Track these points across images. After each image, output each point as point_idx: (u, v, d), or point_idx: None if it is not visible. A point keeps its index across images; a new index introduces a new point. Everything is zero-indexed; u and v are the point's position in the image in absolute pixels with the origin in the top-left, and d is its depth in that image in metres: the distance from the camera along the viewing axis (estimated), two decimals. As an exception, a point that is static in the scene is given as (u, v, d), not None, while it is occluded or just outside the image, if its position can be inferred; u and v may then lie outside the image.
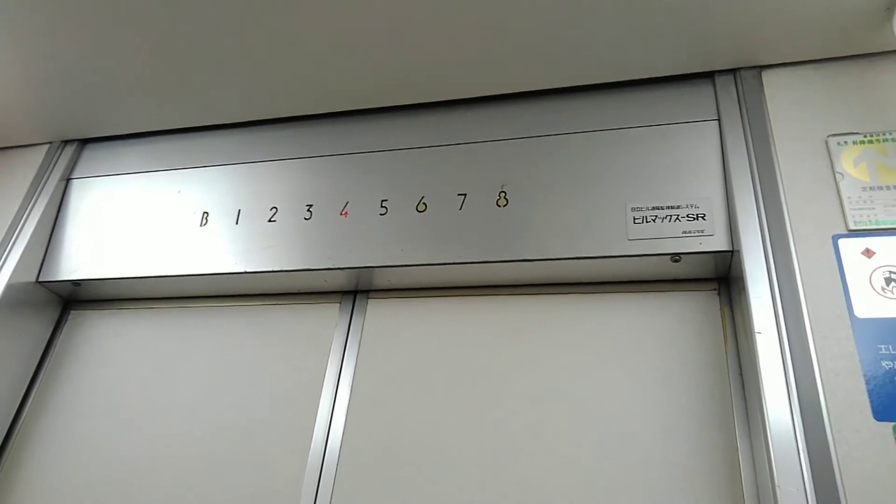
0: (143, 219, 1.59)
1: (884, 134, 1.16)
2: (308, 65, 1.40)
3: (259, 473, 1.35)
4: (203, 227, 1.53)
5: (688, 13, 1.19)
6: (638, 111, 1.36)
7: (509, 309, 1.39)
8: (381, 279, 1.44)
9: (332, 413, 1.37)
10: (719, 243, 1.19)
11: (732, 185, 1.19)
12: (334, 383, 1.41)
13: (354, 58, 1.36)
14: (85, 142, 1.78)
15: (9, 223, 1.61)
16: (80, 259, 1.59)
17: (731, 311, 1.25)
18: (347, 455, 1.32)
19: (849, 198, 1.12)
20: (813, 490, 0.92)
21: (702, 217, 1.22)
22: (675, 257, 1.23)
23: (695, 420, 1.18)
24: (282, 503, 1.31)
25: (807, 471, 0.94)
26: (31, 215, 1.63)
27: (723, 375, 1.20)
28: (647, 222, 1.24)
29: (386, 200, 1.43)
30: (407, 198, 1.42)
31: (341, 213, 1.44)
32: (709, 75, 1.35)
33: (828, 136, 1.19)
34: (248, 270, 1.44)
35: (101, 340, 1.64)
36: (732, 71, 1.33)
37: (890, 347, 0.99)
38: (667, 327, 1.28)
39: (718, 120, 1.30)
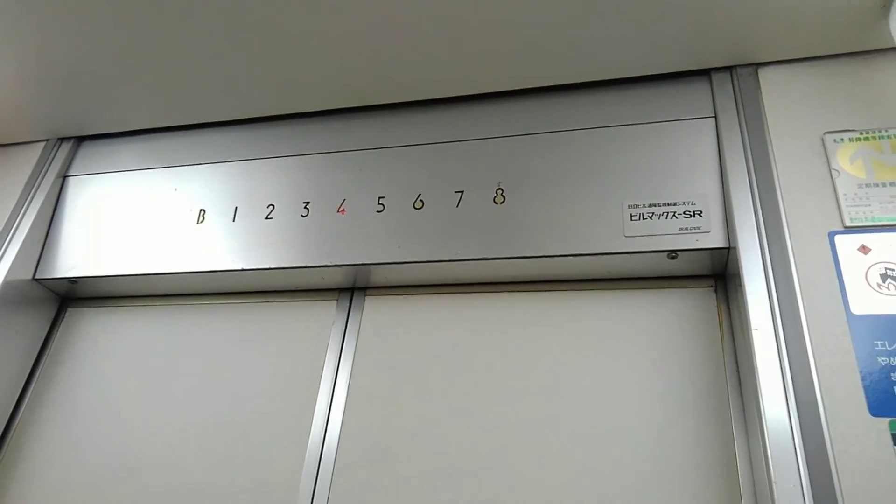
0: (140, 216, 1.59)
1: (880, 131, 1.17)
2: (305, 62, 1.39)
3: (256, 470, 1.35)
4: (200, 225, 1.53)
5: (684, 11, 1.20)
6: (635, 108, 1.36)
7: (506, 306, 1.39)
8: (379, 276, 1.44)
9: (330, 410, 1.37)
10: (716, 240, 1.19)
11: (729, 182, 1.19)
12: (332, 380, 1.41)
13: (351, 55, 1.36)
14: (81, 139, 1.78)
15: (5, 220, 1.61)
16: (76, 256, 1.59)
17: (728, 308, 1.25)
18: (345, 451, 1.32)
19: (845, 195, 1.12)
20: (809, 486, 0.93)
21: (698, 214, 1.22)
22: (672, 254, 1.23)
23: (691, 416, 1.19)
24: (279, 499, 1.31)
25: (803, 466, 0.94)
26: (27, 213, 1.62)
27: (719, 372, 1.20)
28: (643, 219, 1.25)
29: (383, 197, 1.43)
30: (404, 195, 1.42)
31: (338, 211, 1.44)
32: (705, 73, 1.35)
33: (824, 133, 1.19)
34: (245, 268, 1.44)
35: (98, 338, 1.63)
36: (729, 68, 1.33)
37: (886, 343, 0.99)
38: (663, 324, 1.28)
39: (715, 117, 1.30)
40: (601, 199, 1.29)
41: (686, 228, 1.22)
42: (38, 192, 1.66)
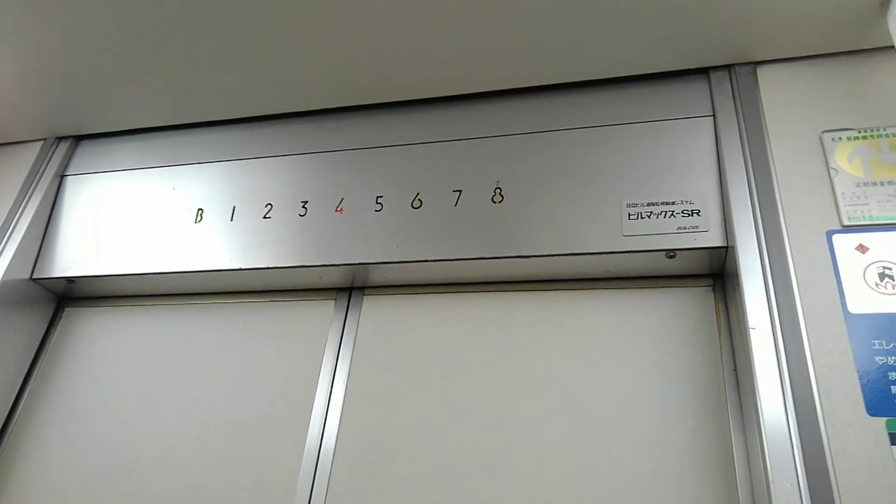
0: (138, 215, 1.59)
1: (878, 130, 1.17)
2: (303, 61, 1.39)
3: (254, 470, 1.35)
4: (198, 224, 1.53)
5: (683, 9, 1.19)
6: (633, 107, 1.36)
7: (504, 305, 1.39)
8: (377, 276, 1.44)
9: (328, 409, 1.37)
10: (714, 239, 1.19)
11: (727, 181, 1.19)
12: (330, 380, 1.41)
13: (349, 54, 1.36)
14: (79, 138, 1.77)
15: (3, 220, 1.61)
16: (74, 256, 1.59)
17: (726, 307, 1.25)
18: (342, 451, 1.32)
19: (843, 193, 1.12)
20: (807, 485, 0.93)
21: (696, 213, 1.22)
22: (670, 253, 1.23)
23: (689, 415, 1.18)
24: (277, 499, 1.31)
25: (800, 465, 0.94)
26: (25, 212, 1.62)
27: (717, 371, 1.20)
28: (641, 218, 1.25)
29: (381, 197, 1.43)
30: (402, 194, 1.42)
31: (336, 210, 1.44)
32: (704, 71, 1.35)
33: (822, 132, 1.19)
34: (243, 267, 1.44)
35: (96, 337, 1.63)
36: (727, 67, 1.33)
37: (883, 343, 0.99)
38: (661, 323, 1.28)
39: (713, 116, 1.30)
40: (599, 199, 1.29)
41: (684, 227, 1.22)
42: (35, 192, 1.66)
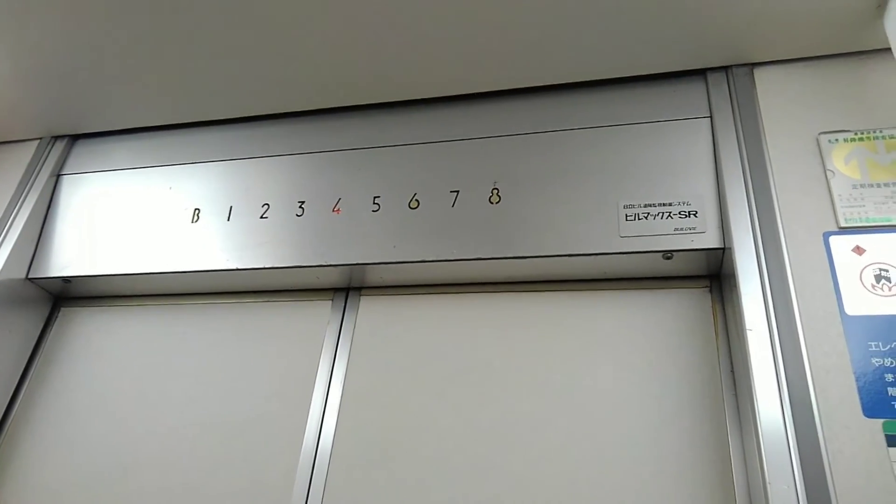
0: (135, 215, 1.59)
1: (874, 131, 1.17)
2: (300, 61, 1.39)
3: (251, 470, 1.35)
4: (195, 224, 1.52)
5: (680, 10, 1.20)
6: (630, 108, 1.36)
7: (502, 306, 1.39)
8: (374, 276, 1.44)
9: (325, 410, 1.37)
10: (711, 241, 1.19)
11: (724, 182, 1.19)
12: (326, 380, 1.40)
13: (347, 54, 1.36)
14: (75, 138, 1.77)
15: (-2, 219, 1.60)
16: (70, 256, 1.58)
17: (723, 309, 1.25)
18: (339, 452, 1.32)
19: (840, 195, 1.12)
20: (803, 486, 0.93)
21: (694, 214, 1.22)
22: (667, 254, 1.23)
23: (686, 417, 1.19)
24: (274, 499, 1.31)
25: (797, 467, 0.94)
26: (20, 211, 1.62)
27: (714, 372, 1.21)
28: (639, 219, 1.25)
29: (378, 197, 1.42)
30: (399, 194, 1.41)
31: (334, 210, 1.44)
32: (701, 72, 1.35)
33: (819, 134, 1.19)
34: (240, 267, 1.44)
35: (92, 337, 1.63)
36: (724, 68, 1.33)
37: (880, 344, 0.99)
38: (659, 324, 1.28)
39: (710, 117, 1.30)
40: (596, 199, 1.29)
41: (681, 229, 1.22)
42: (31, 191, 1.65)
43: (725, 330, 1.23)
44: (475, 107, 1.47)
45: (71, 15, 1.32)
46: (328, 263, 1.39)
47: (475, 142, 1.43)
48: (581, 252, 1.25)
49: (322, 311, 1.49)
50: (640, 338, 1.28)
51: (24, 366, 1.60)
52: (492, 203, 1.35)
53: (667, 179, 1.27)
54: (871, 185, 1.12)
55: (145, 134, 1.70)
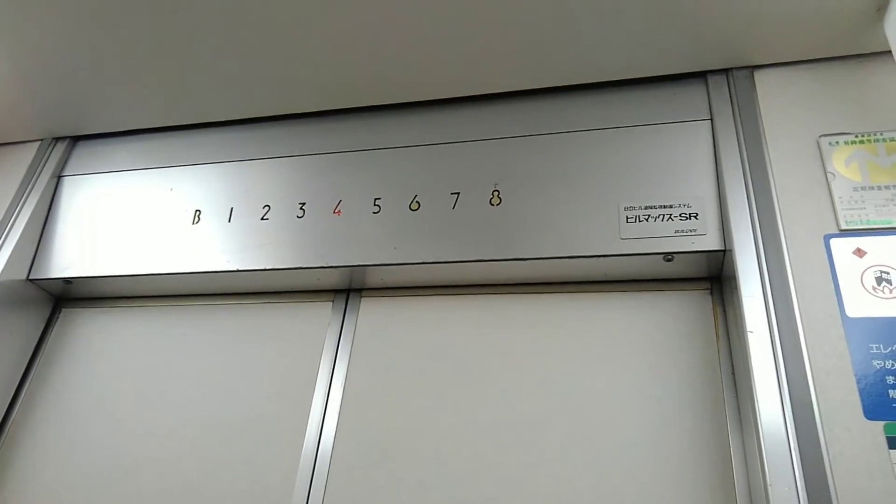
0: (135, 216, 1.59)
1: (875, 134, 1.17)
2: (301, 62, 1.39)
3: (252, 471, 1.35)
4: (195, 225, 1.53)
5: (681, 13, 1.20)
6: (631, 111, 1.36)
7: (502, 308, 1.39)
8: (375, 278, 1.44)
9: (325, 411, 1.37)
10: (712, 243, 1.19)
11: (725, 184, 1.19)
12: (327, 382, 1.40)
13: (347, 55, 1.36)
14: (76, 139, 1.77)
15: (-1, 220, 1.60)
16: (71, 257, 1.58)
17: (724, 311, 1.26)
18: (340, 453, 1.32)
19: (840, 198, 1.12)
20: (805, 488, 0.93)
21: (694, 216, 1.22)
22: (668, 257, 1.23)
23: (687, 419, 1.19)
24: (275, 501, 1.31)
25: (798, 469, 0.94)
26: (21, 213, 1.62)
27: (715, 374, 1.21)
28: (639, 221, 1.25)
29: (379, 199, 1.42)
30: (400, 196, 1.41)
31: (334, 212, 1.44)
32: (701, 75, 1.35)
33: (819, 136, 1.19)
34: (240, 269, 1.44)
35: (93, 339, 1.63)
36: (725, 71, 1.33)
37: (881, 347, 0.99)
38: (659, 326, 1.28)
39: (711, 120, 1.30)
40: (597, 201, 1.29)
41: (682, 231, 1.22)
42: (32, 192, 1.65)
43: (726, 332, 1.23)
44: (476, 109, 1.47)
45: (71, 16, 1.32)
46: (329, 265, 1.39)
47: (476, 144, 1.43)
48: (581, 254, 1.25)
49: (323, 313, 1.49)
50: (640, 340, 1.28)
51: (24, 367, 1.60)
52: (492, 205, 1.35)
53: (667, 181, 1.27)
54: (872, 188, 1.12)
55: (146, 135, 1.70)
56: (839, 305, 1.04)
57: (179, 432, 1.44)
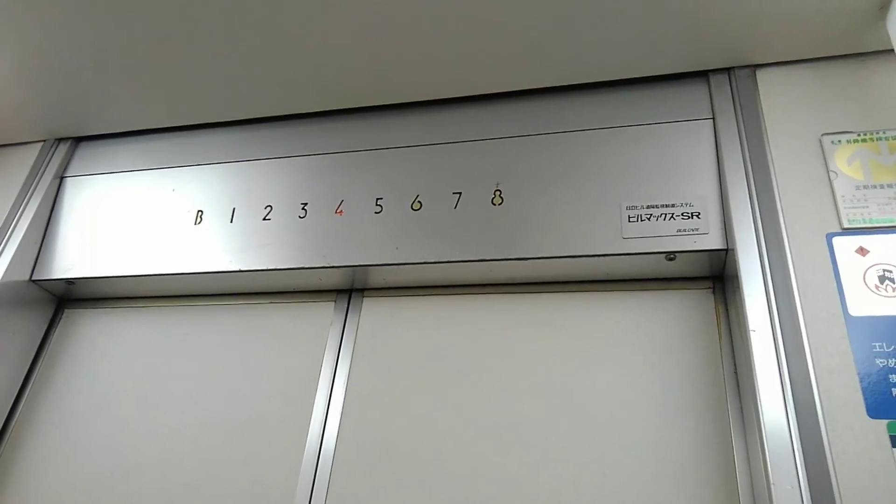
0: (138, 217, 1.59)
1: (877, 133, 1.17)
2: (302, 63, 1.39)
3: (254, 472, 1.35)
4: (198, 226, 1.53)
5: (682, 12, 1.20)
6: (633, 110, 1.36)
7: (504, 307, 1.39)
8: (377, 277, 1.44)
9: (328, 411, 1.37)
10: (714, 242, 1.19)
11: (727, 183, 1.19)
12: (329, 382, 1.40)
13: (349, 56, 1.36)
14: (79, 140, 1.77)
15: (2, 221, 1.61)
16: (73, 257, 1.59)
17: (726, 310, 1.25)
18: (342, 453, 1.32)
19: (843, 196, 1.12)
20: (808, 487, 0.93)
21: (696, 215, 1.22)
22: (670, 256, 1.23)
23: (690, 418, 1.18)
24: (277, 501, 1.31)
25: (801, 468, 0.94)
26: (24, 214, 1.62)
27: (717, 373, 1.20)
28: (641, 221, 1.25)
29: (381, 199, 1.42)
30: (402, 196, 1.41)
31: (336, 212, 1.44)
32: (703, 74, 1.35)
33: (822, 135, 1.19)
34: (242, 269, 1.44)
35: (96, 339, 1.63)
36: (727, 70, 1.33)
37: (884, 345, 0.99)
38: (662, 326, 1.28)
39: (713, 119, 1.30)
40: (599, 201, 1.29)
41: (684, 230, 1.22)
42: (35, 193, 1.66)
43: (728, 331, 1.23)
44: (477, 108, 1.47)
45: (74, 17, 1.32)
46: (331, 265, 1.39)
47: (478, 143, 1.43)
48: (583, 253, 1.25)
49: (325, 313, 1.49)
50: (642, 339, 1.28)
51: (27, 367, 1.60)
52: (494, 204, 1.35)
53: (669, 181, 1.27)
54: (875, 187, 1.12)
55: (148, 136, 1.71)
56: (842, 304, 1.04)
57: (182, 432, 1.44)
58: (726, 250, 1.18)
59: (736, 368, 1.19)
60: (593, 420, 1.23)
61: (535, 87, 1.42)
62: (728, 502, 1.10)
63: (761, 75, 1.29)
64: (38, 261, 1.61)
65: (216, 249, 1.48)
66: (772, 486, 0.94)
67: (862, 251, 1.07)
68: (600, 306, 1.33)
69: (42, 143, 1.75)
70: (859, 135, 1.17)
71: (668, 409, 1.20)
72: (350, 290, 1.51)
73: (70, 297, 1.70)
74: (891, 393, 0.96)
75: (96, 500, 1.42)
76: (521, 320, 1.36)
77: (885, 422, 0.95)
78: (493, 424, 1.27)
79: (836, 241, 1.09)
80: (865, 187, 1.12)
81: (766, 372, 1.02)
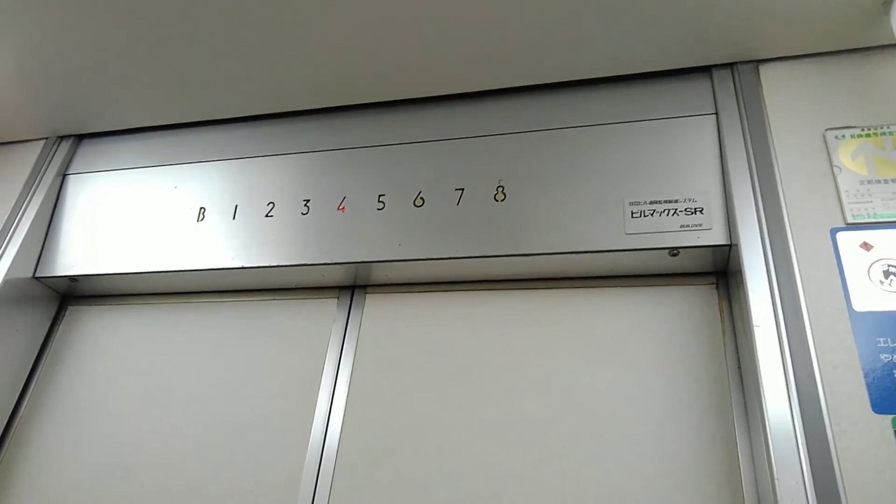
0: (140, 214, 1.59)
1: (881, 127, 1.17)
2: (304, 60, 1.39)
3: (257, 469, 1.35)
4: (200, 223, 1.53)
5: (685, 7, 1.19)
6: (635, 105, 1.36)
7: (507, 303, 1.39)
8: (379, 274, 1.44)
9: (331, 408, 1.37)
10: (717, 237, 1.19)
11: (730, 179, 1.19)
12: (332, 378, 1.40)
13: (351, 52, 1.36)
14: (81, 137, 1.77)
15: (5, 219, 1.61)
16: (76, 255, 1.59)
17: (730, 305, 1.25)
18: (345, 449, 1.32)
19: (847, 191, 1.12)
20: (812, 483, 0.93)
21: (700, 211, 1.22)
22: (674, 251, 1.23)
23: (694, 414, 1.18)
24: (280, 498, 1.31)
25: (806, 464, 0.94)
26: (27, 211, 1.62)
27: (721, 369, 1.20)
28: (644, 216, 1.24)
29: (383, 195, 1.42)
30: (404, 192, 1.41)
31: (339, 208, 1.44)
32: (706, 69, 1.35)
33: (825, 130, 1.19)
34: (245, 266, 1.44)
35: (99, 336, 1.63)
36: (730, 65, 1.33)
37: (888, 340, 0.99)
38: (665, 321, 1.28)
39: (716, 114, 1.29)
40: (602, 197, 1.29)
41: (687, 225, 1.21)
42: (37, 191, 1.66)
43: (732, 327, 1.23)
44: (480, 105, 1.47)
45: (76, 15, 1.32)
46: (333, 262, 1.39)
47: (480, 140, 1.43)
48: (587, 249, 1.25)
49: (327, 310, 1.49)
50: (646, 335, 1.28)
51: (31, 364, 1.61)
52: (497, 201, 1.35)
53: (673, 176, 1.27)
54: (879, 181, 1.12)
55: (150, 133, 1.70)
56: (846, 299, 1.04)
57: (184, 429, 1.44)
58: (730, 246, 1.18)
59: (740, 364, 1.19)
60: (597, 416, 1.23)
61: (537, 83, 1.42)
62: (732, 498, 1.10)
63: (764, 70, 1.29)
64: (42, 258, 1.61)
65: (219, 246, 1.48)
66: (776, 482, 0.94)
67: (866, 246, 1.07)
68: (603, 302, 1.33)
69: (44, 140, 1.75)
70: (863, 130, 1.17)
71: (672, 405, 1.20)
72: (353, 286, 1.51)
73: (73, 294, 1.71)
74: (895, 388, 0.96)
75: (99, 498, 1.42)
76: (524, 317, 1.36)
77: (889, 417, 0.94)
78: (497, 421, 1.27)
79: (840, 236, 1.09)
80: (869, 182, 1.12)
81: (770, 367, 1.02)
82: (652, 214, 1.24)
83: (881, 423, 0.94)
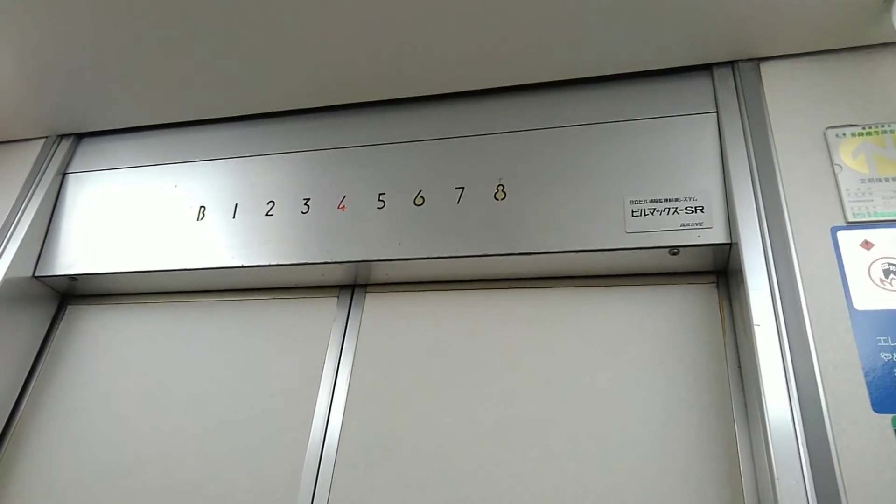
0: (140, 213, 1.59)
1: (882, 126, 1.16)
2: (304, 58, 1.39)
3: (257, 468, 1.35)
4: (200, 222, 1.53)
5: (686, 6, 1.19)
6: (636, 104, 1.36)
7: (507, 302, 1.38)
8: (379, 273, 1.44)
9: (330, 407, 1.37)
10: (718, 236, 1.19)
11: (731, 177, 1.19)
12: (332, 377, 1.40)
13: (351, 51, 1.36)
14: (81, 136, 1.77)
15: (5, 218, 1.61)
16: (76, 254, 1.59)
17: (730, 304, 1.25)
18: (345, 449, 1.32)
19: (847, 190, 1.12)
20: (812, 482, 0.92)
21: (700, 210, 1.22)
22: (674, 250, 1.22)
23: (694, 413, 1.18)
24: (280, 497, 1.31)
25: (806, 463, 0.94)
26: (27, 210, 1.62)
27: (721, 368, 1.20)
28: (645, 215, 1.24)
29: (384, 194, 1.42)
30: (405, 191, 1.41)
31: (339, 207, 1.44)
32: (707, 68, 1.35)
33: (826, 129, 1.18)
34: (245, 265, 1.44)
35: (99, 335, 1.63)
36: (730, 63, 1.33)
37: (889, 339, 0.99)
38: (665, 320, 1.28)
39: (717, 112, 1.29)
40: (602, 195, 1.28)
41: (688, 224, 1.21)
42: (37, 190, 1.66)
43: (732, 326, 1.23)
44: (480, 103, 1.47)
45: (76, 14, 1.32)
46: (333, 260, 1.39)
47: (480, 138, 1.43)
48: (587, 248, 1.25)
49: (327, 309, 1.49)
50: (646, 334, 1.28)
51: (31, 363, 1.60)
52: (497, 199, 1.35)
53: (673, 175, 1.26)
54: (879, 180, 1.11)
55: (150, 132, 1.70)
56: (846, 298, 1.03)
57: (184, 428, 1.44)
58: (730, 244, 1.18)
59: (740, 363, 1.19)
60: (597, 415, 1.23)
61: (537, 81, 1.42)
62: (732, 498, 1.10)
63: (765, 68, 1.29)
64: (41, 257, 1.61)
65: (219, 245, 1.48)
66: (776, 481, 0.93)
67: (867, 245, 1.06)
68: (603, 301, 1.33)
69: (44, 139, 1.75)
70: (864, 128, 1.17)
71: (672, 404, 1.20)
72: (353, 285, 1.51)
73: (73, 294, 1.71)
74: (895, 387, 0.96)
75: (99, 497, 1.42)
76: (524, 316, 1.36)
77: (889, 416, 0.94)
78: (496, 420, 1.27)
79: (841, 234, 1.08)
80: (870, 181, 1.12)
81: (771, 366, 1.01)
82: (652, 213, 1.24)
83: (881, 423, 0.94)
